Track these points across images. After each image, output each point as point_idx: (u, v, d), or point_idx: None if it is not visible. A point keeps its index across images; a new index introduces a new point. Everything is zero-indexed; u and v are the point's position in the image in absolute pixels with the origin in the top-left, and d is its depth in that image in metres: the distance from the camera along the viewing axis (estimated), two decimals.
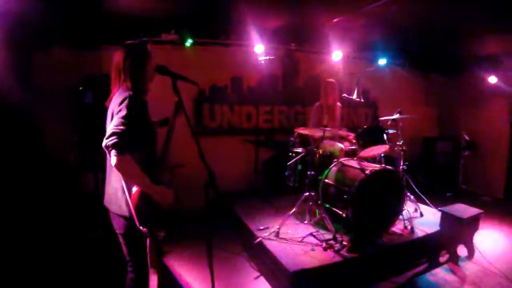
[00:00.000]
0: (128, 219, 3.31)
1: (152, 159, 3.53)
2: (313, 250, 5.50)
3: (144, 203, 3.22)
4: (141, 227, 3.22)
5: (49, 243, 5.73)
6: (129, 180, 3.24)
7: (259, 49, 8.15)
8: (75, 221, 6.25)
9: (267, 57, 8.34)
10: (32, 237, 5.65)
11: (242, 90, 9.08)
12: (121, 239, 3.57)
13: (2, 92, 5.35)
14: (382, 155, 7.02)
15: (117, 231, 3.54)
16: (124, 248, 3.60)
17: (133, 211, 3.21)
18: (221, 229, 6.96)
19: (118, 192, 3.34)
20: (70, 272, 5.24)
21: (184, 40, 7.74)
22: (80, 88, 6.43)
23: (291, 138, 7.09)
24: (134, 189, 3.22)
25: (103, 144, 3.07)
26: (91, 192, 6.83)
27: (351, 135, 7.05)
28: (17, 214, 5.63)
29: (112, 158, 3.05)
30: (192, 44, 7.85)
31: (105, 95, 3.57)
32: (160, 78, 3.66)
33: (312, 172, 6.34)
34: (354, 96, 7.37)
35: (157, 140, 3.67)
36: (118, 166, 3.07)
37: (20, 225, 5.59)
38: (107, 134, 3.08)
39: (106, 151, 3.10)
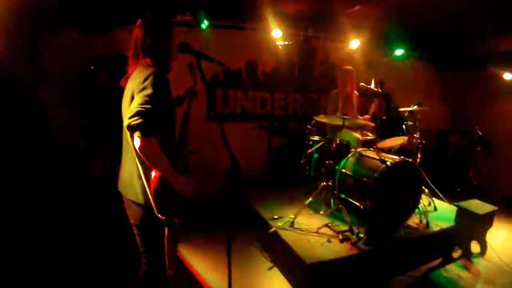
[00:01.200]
0: (144, 208, 3.16)
1: (172, 143, 3.36)
2: (329, 241, 5.40)
3: (164, 189, 3.04)
4: (159, 215, 3.06)
5: (52, 235, 5.61)
6: (152, 165, 3.03)
7: (276, 34, 8.08)
8: (82, 211, 6.14)
9: (284, 43, 8.26)
10: (34, 229, 5.55)
11: (257, 75, 8.96)
12: (135, 230, 3.43)
13: (10, 75, 5.24)
14: (398, 146, 6.92)
15: (131, 222, 3.40)
16: (138, 239, 3.45)
17: (151, 198, 3.04)
18: (231, 217, 6.91)
19: (134, 177, 3.18)
20: (75, 263, 5.16)
21: (200, 22, 7.62)
22: (92, 68, 6.28)
23: (308, 126, 6.96)
24: (153, 173, 3.03)
25: (126, 123, 2.86)
26: (101, 179, 6.70)
27: (371, 125, 6.95)
28: (21, 202, 5.54)
29: (136, 140, 2.86)
30: (208, 27, 7.73)
31: (118, 77, 3.41)
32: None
33: (331, 161, 6.25)
34: (372, 86, 7.28)
35: (175, 124, 3.48)
36: (143, 149, 2.88)
37: (22, 215, 5.51)
38: (131, 113, 2.86)
39: (129, 132, 2.92)
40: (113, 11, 6.66)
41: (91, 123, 6.38)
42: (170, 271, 3.51)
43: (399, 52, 9.55)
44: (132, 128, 2.85)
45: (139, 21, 3.35)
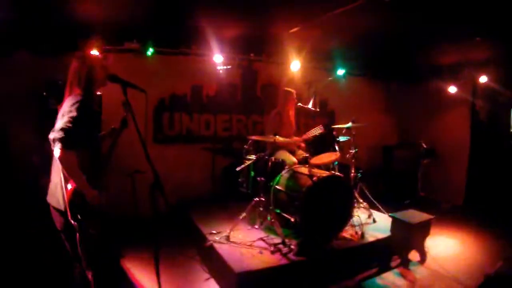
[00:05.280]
0: (64, 214, 3.55)
1: (93, 162, 3.76)
2: (261, 253, 5.66)
3: (78, 199, 3.47)
4: (72, 221, 3.49)
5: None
6: (67, 174, 3.47)
7: (218, 59, 8.30)
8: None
9: (225, 67, 8.50)
10: None
11: (202, 99, 9.18)
12: (62, 236, 3.84)
13: None
14: (336, 162, 7.08)
15: (58, 228, 3.80)
16: (67, 244, 3.85)
17: (66, 206, 3.47)
18: (178, 233, 7.27)
19: (58, 186, 3.62)
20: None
21: (146, 49, 7.81)
22: (44, 94, 6.54)
23: (245, 146, 7.22)
24: (69, 185, 3.47)
25: (51, 136, 3.41)
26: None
27: (302, 143, 7.21)
28: None
29: (56, 150, 3.36)
30: (153, 53, 7.93)
31: None
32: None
33: (263, 178, 6.52)
34: (310, 106, 7.50)
35: (100, 146, 4.05)
36: (61, 158, 3.38)
37: None
38: (56, 128, 3.41)
39: (52, 144, 3.40)
40: (66, 38, 6.86)
41: (42, 142, 6.59)
42: (88, 272, 3.81)
43: (341, 71, 9.70)
44: (55, 141, 3.38)
45: (75, 54, 3.93)
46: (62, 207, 3.56)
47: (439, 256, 6.52)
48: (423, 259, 6.40)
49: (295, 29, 7.00)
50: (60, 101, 3.82)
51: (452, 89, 10.07)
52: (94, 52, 4.06)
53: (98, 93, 4.03)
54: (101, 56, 4.02)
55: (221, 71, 8.62)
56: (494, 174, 9.72)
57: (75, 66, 3.80)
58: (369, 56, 9.50)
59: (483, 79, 9.32)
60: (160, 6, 6.05)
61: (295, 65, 8.97)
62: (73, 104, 3.53)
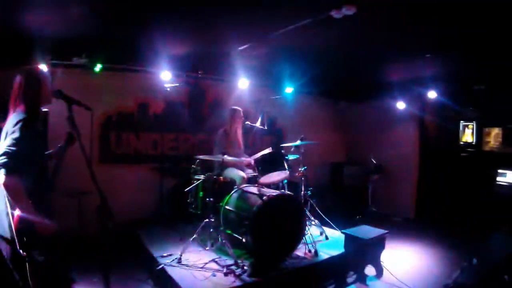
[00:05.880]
0: (11, 242, 3.30)
1: (38, 184, 3.56)
2: (214, 275, 5.50)
3: (26, 227, 3.24)
4: (20, 251, 3.24)
5: None
6: (13, 201, 3.24)
7: (166, 76, 8.19)
8: None
9: (173, 85, 8.39)
10: None
11: (149, 117, 9.05)
12: (9, 264, 3.51)
13: None
14: (285, 181, 7.08)
15: (5, 256, 3.51)
16: (15, 274, 3.52)
17: (14, 234, 3.23)
18: (129, 256, 6.94)
19: (3, 213, 3.35)
20: None
21: (94, 65, 7.65)
22: None
23: (193, 165, 7.11)
24: (17, 212, 3.22)
25: None
26: None
27: (251, 162, 7.14)
28: None
29: (0, 177, 3.13)
30: (101, 69, 7.77)
31: None
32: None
33: (211, 199, 6.40)
34: (258, 124, 7.47)
35: (46, 165, 3.85)
36: (6, 184, 3.16)
37: None
38: None
39: None
40: (15, 50, 6.62)
41: None
42: None
43: (289, 89, 9.75)
44: None
45: (21, 68, 3.78)
46: (9, 236, 3.30)
47: (395, 269, 6.47)
48: (379, 273, 6.38)
49: (243, 47, 6.93)
50: (5, 118, 3.64)
51: (401, 106, 10.20)
52: (41, 66, 3.83)
53: (44, 109, 3.85)
54: (48, 71, 3.81)
55: (168, 89, 8.51)
56: (444, 187, 9.88)
57: (20, 81, 3.63)
58: (317, 74, 9.46)
59: (432, 94, 9.46)
60: (108, 22, 5.92)
61: (243, 83, 8.98)
62: (17, 123, 3.35)
